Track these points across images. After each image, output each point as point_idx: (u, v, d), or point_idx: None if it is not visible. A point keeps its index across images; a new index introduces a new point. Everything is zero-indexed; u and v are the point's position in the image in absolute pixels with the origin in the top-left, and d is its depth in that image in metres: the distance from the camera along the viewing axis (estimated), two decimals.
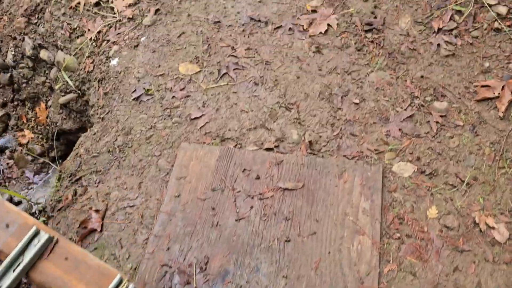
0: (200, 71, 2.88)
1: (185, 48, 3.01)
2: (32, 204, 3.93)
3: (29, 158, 4.11)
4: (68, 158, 2.87)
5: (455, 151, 2.32)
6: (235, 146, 2.53)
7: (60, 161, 4.04)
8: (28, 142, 4.17)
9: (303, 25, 2.99)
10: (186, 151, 2.50)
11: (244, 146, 2.53)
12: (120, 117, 2.82)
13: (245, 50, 2.94)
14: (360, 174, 2.29)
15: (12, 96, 4.47)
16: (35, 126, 4.18)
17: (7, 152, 4.26)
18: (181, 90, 2.81)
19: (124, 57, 3.09)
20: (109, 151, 2.69)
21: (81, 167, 2.72)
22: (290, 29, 3.00)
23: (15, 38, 4.00)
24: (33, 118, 4.18)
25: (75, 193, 2.62)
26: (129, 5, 3.39)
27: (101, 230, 2.39)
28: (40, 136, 4.12)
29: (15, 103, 4.49)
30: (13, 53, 4.01)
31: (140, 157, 2.60)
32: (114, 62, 3.10)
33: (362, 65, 2.75)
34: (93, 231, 2.40)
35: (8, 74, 4.18)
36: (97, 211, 2.46)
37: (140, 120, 2.75)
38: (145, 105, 2.81)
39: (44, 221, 2.64)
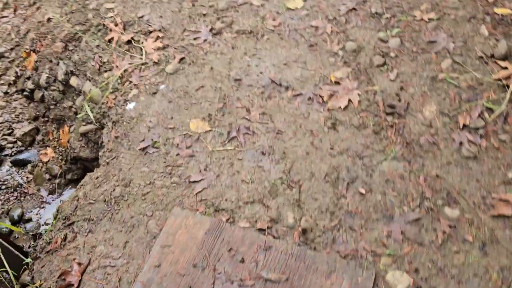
0: (210, 131, 2.80)
1: (201, 103, 2.95)
2: (40, 224, 3.96)
3: (47, 176, 4.17)
4: (67, 198, 2.85)
5: (458, 270, 2.09)
6: (228, 219, 2.41)
7: (72, 185, 4.08)
8: (48, 160, 4.24)
9: (323, 96, 2.85)
10: (176, 218, 2.41)
11: (237, 221, 2.41)
12: (123, 165, 2.78)
13: (259, 114, 2.83)
14: (349, 278, 2.10)
15: (44, 111, 4.58)
16: (57, 147, 4.25)
17: (29, 166, 4.34)
18: (187, 148, 2.74)
19: (141, 103, 3.06)
20: (105, 201, 2.64)
21: (76, 211, 2.69)
22: (309, 98, 2.87)
23: (51, 61, 4.11)
24: (56, 139, 4.25)
25: (65, 238, 2.59)
26: (158, 48, 3.38)
27: (78, 286, 2.33)
28: (60, 157, 4.18)
29: (46, 118, 4.59)
30: (47, 75, 4.11)
31: (133, 213, 2.53)
32: (130, 106, 3.08)
33: (376, 151, 2.57)
34: (70, 285, 2.34)
35: (41, 93, 4.29)
36: (79, 264, 2.40)
37: (141, 173, 2.69)
38: (150, 158, 2.76)
39: (31, 262, 2.62)
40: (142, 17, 3.65)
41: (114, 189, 2.67)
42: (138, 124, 2.94)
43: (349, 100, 2.80)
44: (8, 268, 2.51)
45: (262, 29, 3.31)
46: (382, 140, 2.60)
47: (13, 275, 2.55)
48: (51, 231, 2.71)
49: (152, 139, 2.82)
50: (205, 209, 2.47)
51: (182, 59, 3.23)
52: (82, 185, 2.90)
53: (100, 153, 3.08)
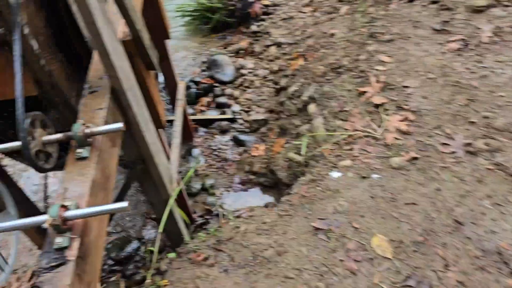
0: (388, 260, 2.29)
1: (400, 221, 2.43)
2: (217, 204, 4.13)
3: (247, 168, 4.31)
4: (231, 222, 2.81)
5: None
6: None
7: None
8: (256, 155, 4.36)
9: None
10: None
11: None
12: (290, 230, 2.55)
13: (456, 281, 2.16)
14: None
15: (279, 111, 4.68)
16: (269, 149, 4.31)
17: (241, 149, 4.56)
18: (354, 261, 2.32)
19: (346, 179, 2.73)
20: (254, 254, 2.49)
21: (228, 242, 2.62)
22: None
23: (306, 78, 4.08)
24: (272, 143, 4.31)
25: (206, 259, 2.57)
26: (399, 131, 2.92)
27: None
28: (265, 160, 4.24)
29: (277, 117, 4.69)
30: (296, 88, 4.12)
31: (264, 287, 2.32)
32: (335, 175, 2.78)
33: None
34: None
35: (284, 99, 4.36)
36: None
37: (297, 252, 2.42)
38: (315, 242, 2.45)
39: (173, 253, 2.71)
40: (406, 87, 3.20)
41: (267, 249, 2.49)
42: (329, 199, 2.64)
43: None
44: (155, 249, 2.64)
45: None
46: None
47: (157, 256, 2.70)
48: (203, 241, 2.74)
49: (329, 225, 2.49)
50: None
51: (414, 158, 2.71)
52: (251, 216, 2.82)
53: (282, 198, 2.92)
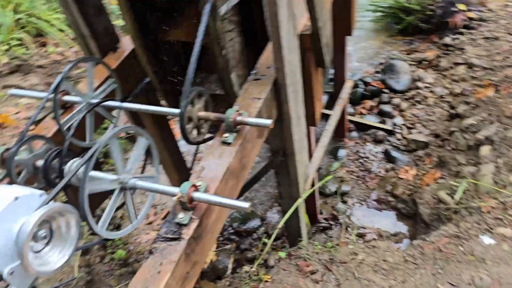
0: None
1: None
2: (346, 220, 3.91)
3: (389, 188, 3.97)
4: (350, 246, 2.62)
5: None
6: None
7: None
8: (402, 178, 3.98)
9: None
10: None
11: None
12: (411, 281, 2.25)
13: None
14: None
15: (446, 138, 4.15)
16: (419, 177, 3.88)
17: (391, 165, 4.22)
18: None
19: (498, 250, 2.27)
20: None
21: (341, 265, 2.46)
22: None
23: (490, 114, 3.49)
24: (424, 172, 3.86)
25: (313, 273, 2.47)
26: None
27: None
28: (411, 186, 3.83)
29: (441, 143, 4.15)
30: (473, 121, 3.57)
31: None
32: (485, 239, 2.34)
33: None
34: None
35: (455, 128, 3.83)
36: None
37: None
38: None
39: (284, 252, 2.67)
40: None
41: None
42: (469, 266, 2.24)
43: None
44: (269, 242, 2.63)
45: None
46: None
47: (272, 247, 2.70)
48: (317, 253, 2.63)
49: None
50: None
51: None
52: (373, 247, 2.60)
53: (414, 242, 2.60)
